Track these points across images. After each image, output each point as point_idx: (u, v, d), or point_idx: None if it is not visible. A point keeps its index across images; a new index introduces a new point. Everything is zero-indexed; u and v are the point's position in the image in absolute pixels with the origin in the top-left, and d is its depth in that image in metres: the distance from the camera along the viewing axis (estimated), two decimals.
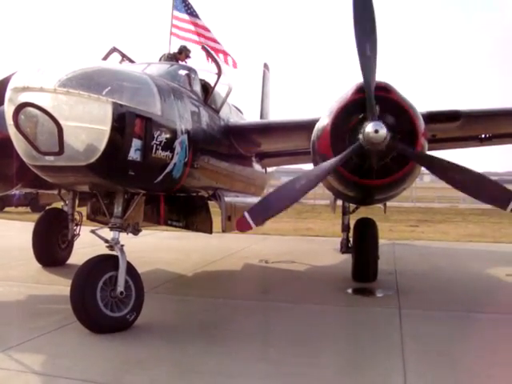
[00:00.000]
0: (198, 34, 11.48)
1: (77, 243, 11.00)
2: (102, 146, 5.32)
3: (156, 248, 13.79)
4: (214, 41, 12.00)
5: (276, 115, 18.32)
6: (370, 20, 6.15)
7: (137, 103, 5.68)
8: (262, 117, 15.90)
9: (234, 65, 12.66)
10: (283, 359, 5.42)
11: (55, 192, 10.44)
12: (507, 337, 6.36)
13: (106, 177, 5.73)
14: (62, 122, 5.10)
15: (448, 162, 6.14)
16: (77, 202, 10.60)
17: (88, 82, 5.28)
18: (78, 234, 10.69)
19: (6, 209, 26.41)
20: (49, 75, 5.21)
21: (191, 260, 12.06)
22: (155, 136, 5.93)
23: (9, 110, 5.27)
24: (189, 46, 9.35)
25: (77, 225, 10.69)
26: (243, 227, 6.24)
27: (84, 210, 10.86)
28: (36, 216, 11.98)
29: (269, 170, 12.73)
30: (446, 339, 6.18)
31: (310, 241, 17.01)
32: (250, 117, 12.37)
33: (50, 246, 10.58)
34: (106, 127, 5.30)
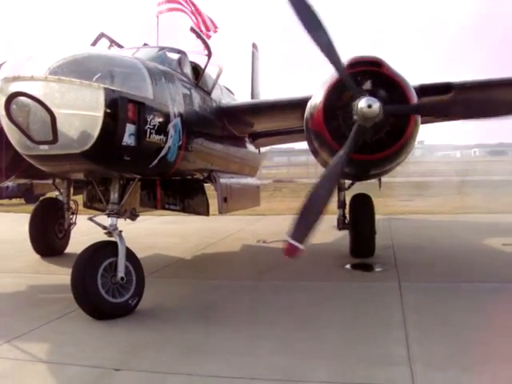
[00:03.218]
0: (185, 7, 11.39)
1: (73, 232, 10.99)
2: (96, 132, 5.29)
3: (153, 233, 13.80)
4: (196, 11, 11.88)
5: (267, 95, 18.25)
6: (313, 17, 6.09)
7: (129, 88, 5.64)
8: (252, 97, 15.80)
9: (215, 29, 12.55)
10: (288, 335, 5.48)
11: (50, 182, 10.41)
12: (506, 305, 6.44)
13: (102, 163, 5.71)
14: (54, 110, 5.07)
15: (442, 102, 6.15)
16: (71, 190, 10.59)
17: (79, 69, 5.24)
18: (75, 223, 10.68)
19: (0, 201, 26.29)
20: (39, 63, 5.17)
21: (189, 243, 12.09)
22: (148, 120, 5.90)
23: (0, 100, 5.23)
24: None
25: (73, 213, 10.68)
26: (293, 253, 6.02)
27: (79, 199, 10.85)
28: (30, 207, 11.95)
29: (262, 150, 12.70)
30: (447, 310, 6.25)
31: None
32: (241, 97, 12.31)
33: (47, 236, 10.57)
34: (98, 113, 5.28)
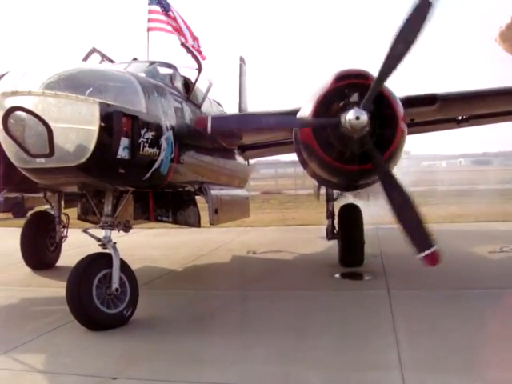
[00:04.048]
0: (173, 27, 11.57)
1: (64, 245, 11.02)
2: (92, 145, 5.39)
3: (143, 245, 13.84)
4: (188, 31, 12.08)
5: (254, 108, 18.39)
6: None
7: (123, 102, 5.75)
8: (240, 110, 15.94)
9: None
10: (282, 344, 5.57)
11: (41, 195, 10.45)
12: (494, 310, 6.59)
13: (97, 176, 5.80)
14: (51, 124, 5.17)
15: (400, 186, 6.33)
16: (63, 204, 10.64)
17: (75, 84, 5.35)
18: (66, 236, 10.73)
19: None
20: (35, 79, 5.28)
21: (179, 255, 12.15)
22: (142, 133, 6.01)
23: None
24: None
25: (64, 227, 10.73)
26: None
27: (70, 212, 10.92)
28: (18, 221, 11.98)
29: (251, 161, 12.86)
30: (436, 316, 6.39)
31: (295, 230, 17.18)
32: (229, 110, 12.46)
33: (39, 249, 10.59)
34: (94, 127, 5.38)
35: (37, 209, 13.40)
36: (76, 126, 5.35)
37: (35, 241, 10.52)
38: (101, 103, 5.41)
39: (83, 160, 5.43)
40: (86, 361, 5.24)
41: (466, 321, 6.15)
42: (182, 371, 4.90)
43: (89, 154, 5.42)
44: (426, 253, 5.98)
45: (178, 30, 11.70)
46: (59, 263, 11.01)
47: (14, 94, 5.24)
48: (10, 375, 4.90)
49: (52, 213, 10.77)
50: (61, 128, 5.25)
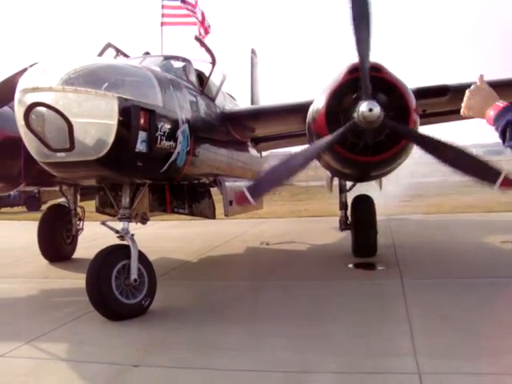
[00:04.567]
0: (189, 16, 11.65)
1: (80, 238, 11.21)
2: (111, 139, 5.52)
3: (157, 237, 13.99)
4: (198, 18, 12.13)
5: (267, 100, 18.48)
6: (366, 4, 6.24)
7: (140, 96, 5.87)
8: (252, 103, 16.04)
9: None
10: (296, 332, 5.68)
11: (57, 189, 10.62)
12: (506, 298, 6.67)
13: (116, 169, 5.94)
14: (71, 119, 5.30)
15: (438, 140, 6.32)
16: (78, 197, 10.82)
17: (93, 79, 5.47)
18: (82, 229, 10.92)
19: (2, 209, 26.45)
20: (55, 75, 5.38)
21: (194, 247, 12.30)
22: (159, 127, 6.13)
23: (19, 110, 5.46)
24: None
25: (80, 219, 10.91)
26: (242, 202, 6.39)
27: (86, 205, 11.11)
28: (33, 215, 12.17)
29: (264, 154, 12.95)
30: (449, 304, 6.46)
31: (308, 221, 17.30)
32: (241, 103, 12.56)
33: (56, 242, 10.78)
34: (113, 121, 5.50)
35: (50, 202, 13.60)
36: (95, 121, 5.47)
37: (52, 233, 10.71)
38: (119, 98, 5.53)
39: (102, 154, 5.56)
40: (107, 349, 5.38)
41: (479, 309, 6.23)
42: (200, 359, 5.02)
43: (108, 147, 5.55)
44: (499, 180, 5.97)
45: (194, 19, 11.75)
46: (75, 255, 11.21)
47: (35, 90, 5.35)
48: (34, 363, 5.04)
49: (68, 206, 10.93)
50: (81, 123, 5.38)
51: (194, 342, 5.52)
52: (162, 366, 4.87)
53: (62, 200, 11.50)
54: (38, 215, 12.46)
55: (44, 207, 14.12)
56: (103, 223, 6.86)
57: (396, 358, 4.77)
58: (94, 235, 10.54)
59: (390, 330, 5.62)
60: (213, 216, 8.47)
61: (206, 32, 12.61)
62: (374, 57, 6.45)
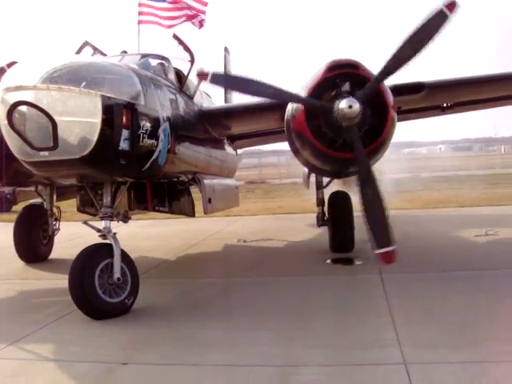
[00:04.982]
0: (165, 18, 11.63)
1: (56, 238, 11.09)
2: (95, 137, 5.51)
3: (133, 236, 13.81)
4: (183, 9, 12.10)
5: (239, 99, 18.47)
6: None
7: (122, 94, 5.88)
8: (226, 101, 16.05)
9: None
10: (281, 326, 5.77)
11: (32, 189, 10.49)
12: (481, 289, 6.87)
13: (99, 167, 5.92)
14: (55, 117, 5.27)
15: None
16: (54, 197, 10.70)
17: (76, 77, 5.45)
18: (58, 229, 10.81)
19: None
20: (38, 73, 5.35)
21: (171, 245, 12.29)
22: (141, 125, 6.14)
23: (1, 110, 5.41)
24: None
25: (56, 220, 10.80)
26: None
27: (61, 205, 11.01)
28: (4, 216, 11.97)
29: (239, 151, 13.01)
30: (428, 296, 6.64)
31: (283, 218, 17.39)
32: (216, 101, 12.56)
33: (32, 243, 10.63)
34: (97, 119, 5.50)
35: (22, 204, 13.40)
36: (79, 119, 5.47)
37: (28, 234, 10.57)
38: (103, 96, 5.53)
39: (86, 152, 5.55)
40: (93, 348, 5.37)
41: (456, 300, 6.41)
42: (188, 355, 5.06)
43: (92, 146, 5.54)
44: (384, 250, 6.12)
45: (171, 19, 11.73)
46: (52, 256, 11.08)
47: (18, 88, 5.32)
48: (21, 364, 5.02)
49: (43, 206, 10.80)
50: (64, 121, 5.36)
51: (180, 338, 5.56)
52: (151, 364, 4.89)
53: (36, 200, 11.37)
54: (9, 216, 12.28)
55: (15, 208, 13.92)
56: (85, 222, 6.83)
57: (381, 350, 4.88)
58: (71, 235, 10.46)
59: (372, 322, 5.74)
60: (192, 214, 8.49)
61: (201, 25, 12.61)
62: (354, 53, 6.56)
